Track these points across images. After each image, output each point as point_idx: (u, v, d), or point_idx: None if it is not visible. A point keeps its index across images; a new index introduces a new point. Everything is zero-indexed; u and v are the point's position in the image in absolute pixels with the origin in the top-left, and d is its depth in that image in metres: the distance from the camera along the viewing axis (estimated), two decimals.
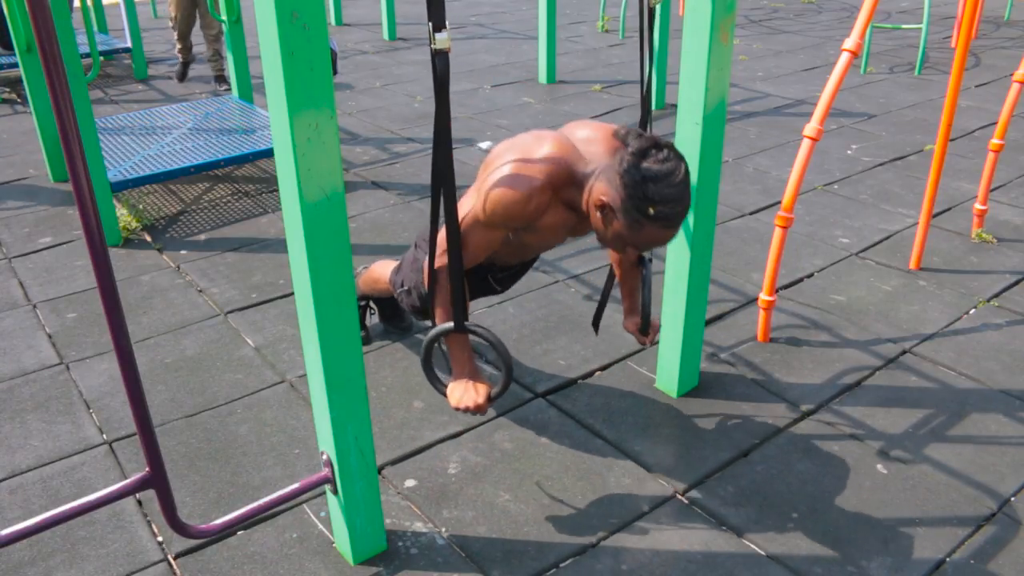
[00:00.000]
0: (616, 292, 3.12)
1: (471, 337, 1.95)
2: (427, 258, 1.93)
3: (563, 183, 1.86)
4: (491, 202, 1.85)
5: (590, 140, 1.91)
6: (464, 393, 1.93)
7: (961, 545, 1.98)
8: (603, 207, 1.80)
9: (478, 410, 1.92)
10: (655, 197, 1.72)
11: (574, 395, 2.55)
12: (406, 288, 2.33)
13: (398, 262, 2.46)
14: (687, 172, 1.77)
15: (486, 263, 2.22)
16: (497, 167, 1.87)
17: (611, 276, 2.41)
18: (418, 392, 2.56)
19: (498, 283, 2.36)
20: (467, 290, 1.97)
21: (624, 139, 1.81)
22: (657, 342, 2.51)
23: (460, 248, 1.81)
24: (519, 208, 1.84)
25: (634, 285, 2.33)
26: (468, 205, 1.95)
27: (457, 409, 1.93)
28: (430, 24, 1.55)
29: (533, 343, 2.81)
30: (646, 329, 2.31)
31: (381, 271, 2.57)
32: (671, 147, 1.77)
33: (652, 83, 2.23)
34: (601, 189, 1.80)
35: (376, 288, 2.62)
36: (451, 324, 1.89)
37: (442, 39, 1.56)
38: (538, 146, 1.87)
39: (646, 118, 2.26)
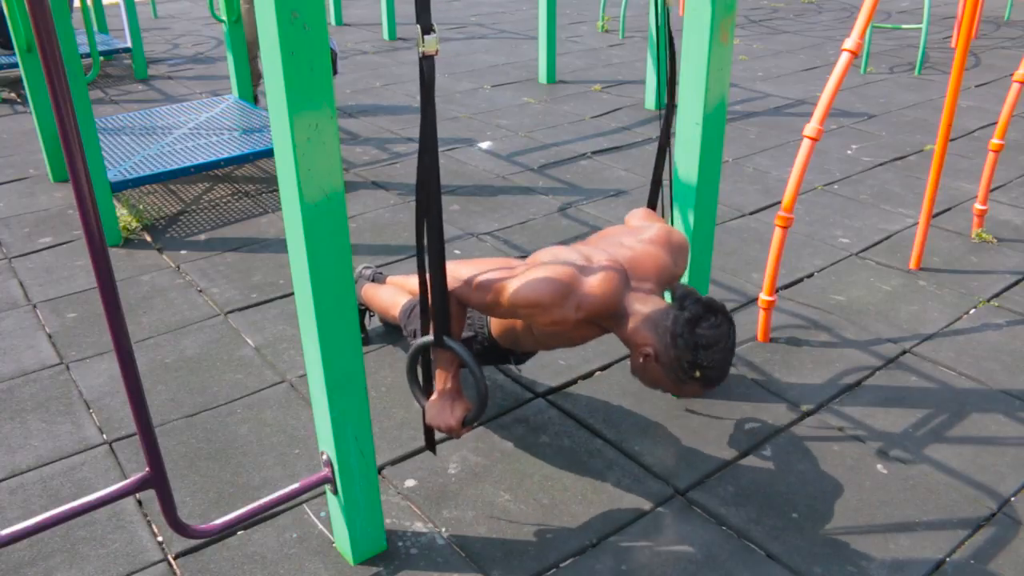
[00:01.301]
0: None
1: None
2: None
3: (601, 315, 1.87)
4: (520, 298, 1.82)
5: (637, 263, 1.94)
6: (439, 412, 1.92)
7: (961, 545, 1.98)
8: (647, 356, 1.83)
9: (450, 432, 1.92)
10: (703, 362, 1.77)
11: (574, 395, 2.55)
12: (412, 331, 2.34)
13: (408, 299, 2.46)
14: (734, 336, 1.81)
15: (507, 346, 2.21)
16: (544, 270, 1.83)
17: None
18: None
19: (517, 361, 2.39)
20: (460, 316, 1.95)
21: (681, 300, 1.82)
22: None
23: (444, 262, 1.77)
24: (539, 320, 1.84)
25: None
26: (497, 276, 1.89)
27: (430, 427, 1.92)
28: (419, 27, 1.54)
29: None
30: None
31: (390, 301, 2.53)
32: (723, 312, 1.80)
33: (676, 88, 2.22)
34: (647, 339, 1.83)
35: (385, 316, 2.60)
36: (431, 338, 1.86)
37: (430, 41, 1.54)
38: (592, 275, 1.85)
39: (667, 128, 2.26)
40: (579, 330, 1.91)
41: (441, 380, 1.93)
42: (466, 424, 1.93)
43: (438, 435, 2.35)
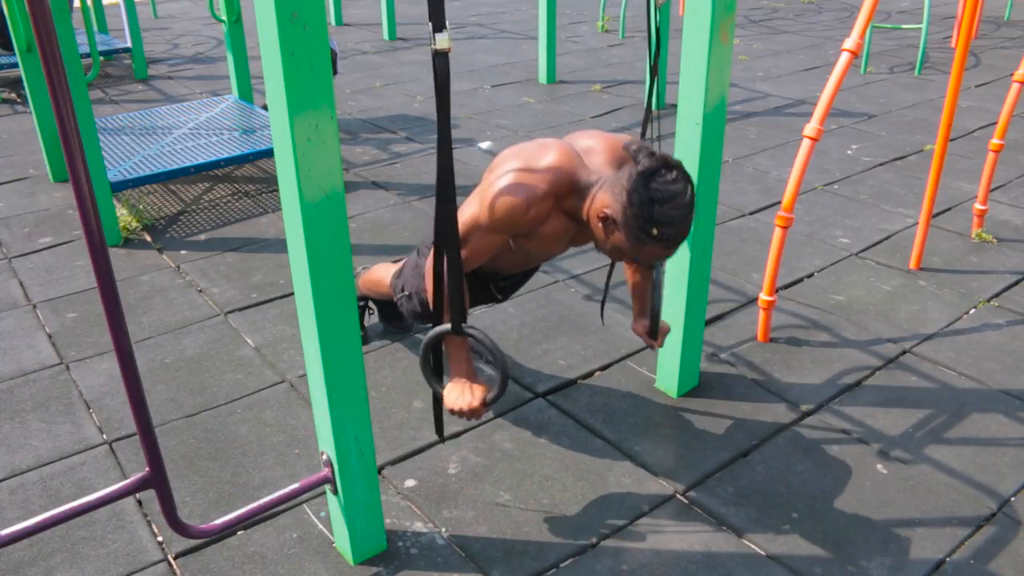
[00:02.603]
0: (613, 288, 3.13)
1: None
2: (429, 259, 1.93)
3: (565, 192, 1.86)
4: (493, 208, 1.86)
5: (594, 150, 1.92)
6: (460, 395, 1.90)
7: (961, 545, 1.98)
8: (605, 219, 1.80)
9: (473, 414, 1.91)
10: (660, 219, 1.72)
11: (574, 395, 2.55)
12: (407, 293, 2.32)
13: (399, 265, 2.46)
14: (693, 195, 1.78)
15: (488, 271, 2.22)
16: (501, 173, 1.88)
17: (612, 266, 2.41)
18: (418, 392, 2.56)
19: (500, 291, 2.36)
20: (467, 294, 1.97)
21: (635, 155, 1.80)
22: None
23: (459, 250, 1.79)
24: (520, 214, 1.85)
25: (644, 288, 2.32)
26: (470, 210, 1.95)
27: (451, 411, 1.91)
28: (431, 24, 1.54)
29: (533, 343, 2.81)
30: (655, 332, 2.27)
31: (382, 273, 2.56)
32: (680, 168, 1.77)
33: (656, 85, 2.23)
34: (604, 201, 1.81)
35: (376, 291, 2.62)
36: (448, 326, 1.87)
37: (442, 39, 1.54)
38: (542, 154, 1.88)
39: (647, 119, 2.26)
40: (551, 224, 1.91)
41: (457, 365, 1.92)
42: (487, 405, 1.92)
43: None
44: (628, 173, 1.77)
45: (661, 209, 1.72)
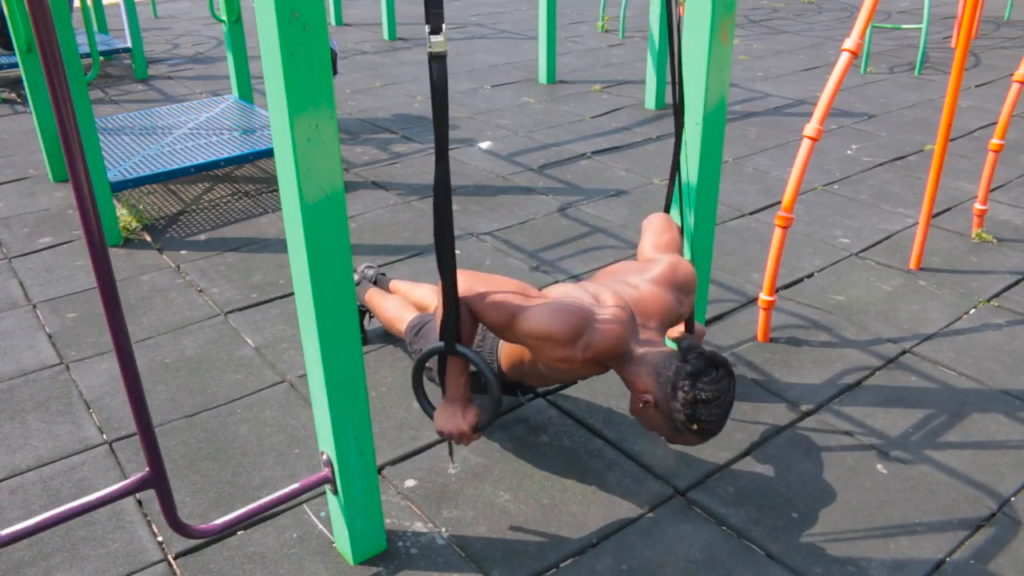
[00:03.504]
0: None
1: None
2: (438, 317, 1.88)
3: (607, 356, 1.86)
4: (533, 327, 1.82)
5: (642, 304, 1.95)
6: (450, 418, 1.90)
7: (961, 545, 1.98)
8: (647, 403, 1.83)
9: (461, 438, 1.90)
10: (701, 416, 1.76)
11: (574, 395, 2.55)
12: (421, 355, 2.30)
13: (415, 315, 2.44)
14: (734, 391, 1.81)
15: (517, 380, 2.19)
16: (559, 305, 1.83)
17: None
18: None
19: (523, 394, 2.41)
20: (471, 323, 1.92)
21: (685, 352, 1.80)
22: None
23: (454, 268, 1.75)
24: (548, 353, 1.84)
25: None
26: (519, 303, 1.86)
27: (440, 434, 1.91)
28: (427, 27, 1.52)
29: None
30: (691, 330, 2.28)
31: (399, 314, 2.53)
32: (725, 366, 1.78)
33: (683, 92, 2.20)
34: (648, 385, 1.82)
35: (389, 328, 2.60)
36: (442, 344, 1.84)
37: (438, 42, 1.50)
38: (599, 314, 1.84)
39: (679, 131, 2.24)
40: (584, 368, 1.91)
41: (451, 387, 1.91)
42: (477, 430, 1.91)
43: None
44: (676, 368, 1.78)
45: (704, 409, 1.75)
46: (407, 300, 2.60)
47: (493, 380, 1.84)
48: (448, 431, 1.90)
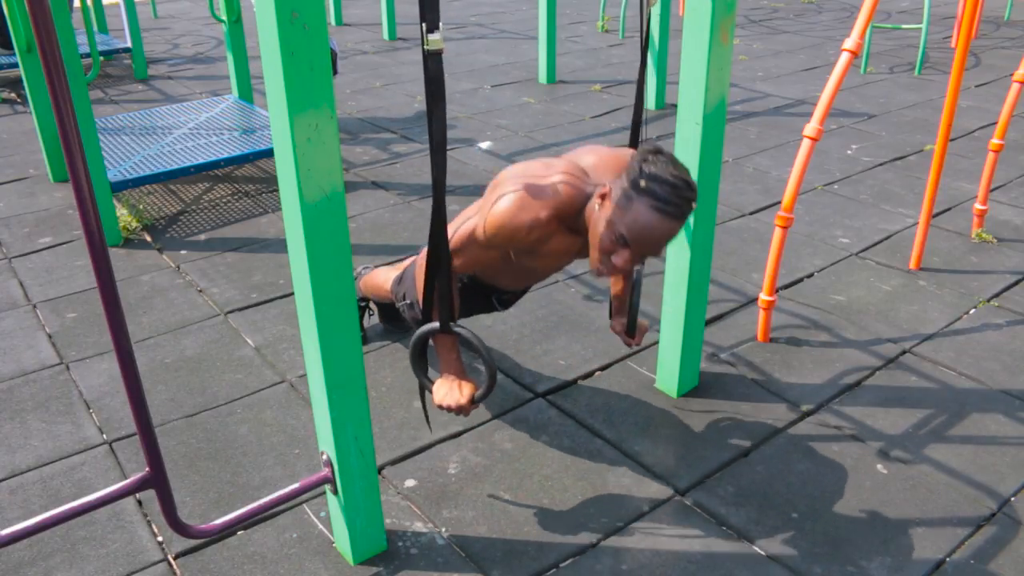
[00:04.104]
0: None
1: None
2: (421, 256, 1.93)
3: (569, 212, 1.86)
4: (493, 225, 1.85)
5: (599, 166, 1.93)
6: (448, 392, 1.93)
7: (961, 545, 1.98)
8: (603, 196, 1.80)
9: (460, 410, 1.93)
10: (648, 172, 1.72)
11: (574, 395, 2.55)
12: (408, 302, 2.33)
13: (401, 270, 2.47)
14: (689, 175, 1.77)
15: (488, 284, 2.21)
16: (504, 192, 1.86)
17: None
18: (418, 392, 2.56)
19: (501, 304, 2.37)
20: (458, 299, 1.97)
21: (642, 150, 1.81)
22: (640, 344, 2.50)
23: (446, 249, 1.80)
24: (521, 235, 1.84)
25: (624, 286, 2.32)
26: (470, 223, 1.94)
27: (440, 408, 1.93)
28: (423, 25, 1.54)
29: (533, 343, 2.81)
30: (632, 331, 2.27)
31: (384, 278, 2.57)
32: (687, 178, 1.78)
33: (648, 83, 2.23)
34: (603, 190, 1.81)
35: (377, 295, 2.62)
36: (436, 325, 1.89)
37: (435, 39, 1.54)
38: (547, 174, 1.87)
39: (639, 119, 2.25)
40: (555, 242, 1.90)
41: (447, 363, 1.95)
42: (475, 402, 1.94)
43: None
44: (633, 159, 1.78)
45: (652, 167, 1.72)
46: (395, 268, 2.62)
47: (489, 356, 1.86)
48: (447, 405, 1.92)
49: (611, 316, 2.37)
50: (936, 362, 2.70)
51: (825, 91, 2.56)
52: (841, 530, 2.03)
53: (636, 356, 2.74)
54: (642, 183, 1.71)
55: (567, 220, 1.87)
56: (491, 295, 2.30)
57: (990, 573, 1.90)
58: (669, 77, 5.50)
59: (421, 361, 1.99)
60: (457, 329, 1.87)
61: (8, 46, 5.94)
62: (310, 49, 1.42)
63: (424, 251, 1.96)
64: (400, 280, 2.40)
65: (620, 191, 1.76)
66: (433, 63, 1.57)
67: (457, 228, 1.98)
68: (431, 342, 1.96)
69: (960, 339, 2.83)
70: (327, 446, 1.83)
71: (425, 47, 1.54)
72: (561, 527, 2.04)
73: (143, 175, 3.80)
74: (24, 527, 1.56)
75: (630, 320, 2.26)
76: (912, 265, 3.32)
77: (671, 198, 1.71)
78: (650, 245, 1.75)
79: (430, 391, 1.98)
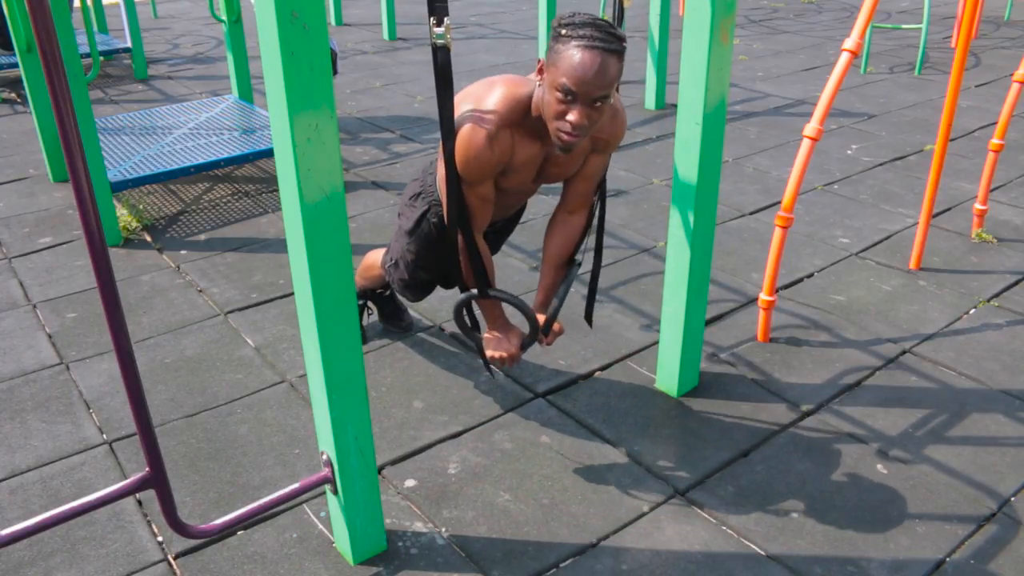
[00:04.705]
0: (612, 288, 3.12)
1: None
2: (440, 169, 2.02)
3: (519, 110, 1.92)
4: (461, 163, 1.90)
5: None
6: (498, 344, 2.11)
7: (961, 545, 1.98)
8: (539, 72, 1.86)
9: (512, 358, 2.11)
10: (566, 22, 1.78)
11: (574, 395, 2.55)
12: (394, 261, 2.41)
13: (388, 247, 2.53)
14: (606, 23, 1.80)
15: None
16: (459, 141, 1.91)
17: (596, 265, 2.33)
18: (418, 392, 2.56)
19: (492, 235, 2.44)
20: (489, 260, 2.12)
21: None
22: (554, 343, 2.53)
23: (470, 224, 1.95)
24: (486, 155, 1.90)
25: (555, 280, 2.24)
26: (440, 172, 2.03)
27: (492, 360, 2.11)
28: (432, 19, 1.58)
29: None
30: (547, 329, 2.17)
31: (374, 258, 2.64)
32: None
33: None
34: (539, 66, 1.87)
35: (370, 275, 2.67)
36: (475, 291, 2.07)
37: (441, 33, 1.63)
38: (488, 91, 1.94)
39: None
40: (520, 151, 1.95)
41: (490, 319, 2.14)
42: (523, 348, 2.12)
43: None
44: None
45: (572, 19, 1.78)
46: (380, 251, 2.68)
47: (526, 307, 2.04)
48: (499, 355, 2.10)
49: (530, 307, 2.22)
50: (936, 362, 2.70)
51: (825, 91, 2.56)
52: (841, 530, 2.03)
53: (636, 356, 2.74)
54: (563, 31, 1.78)
55: (523, 122, 1.93)
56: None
57: (990, 573, 1.90)
58: (669, 77, 5.50)
59: (464, 323, 2.14)
60: (493, 293, 2.05)
61: (8, 46, 5.94)
62: (310, 49, 1.42)
63: (439, 162, 2.05)
64: (388, 249, 2.49)
65: (549, 54, 1.82)
66: (441, 55, 1.68)
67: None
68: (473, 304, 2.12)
69: (960, 339, 2.83)
70: (327, 446, 1.83)
71: (434, 40, 1.65)
72: (561, 527, 2.04)
73: (143, 175, 3.80)
74: (24, 527, 1.57)
75: (548, 318, 2.16)
76: (912, 265, 3.32)
77: (592, 33, 1.76)
78: (591, 84, 1.74)
79: (480, 348, 2.14)
